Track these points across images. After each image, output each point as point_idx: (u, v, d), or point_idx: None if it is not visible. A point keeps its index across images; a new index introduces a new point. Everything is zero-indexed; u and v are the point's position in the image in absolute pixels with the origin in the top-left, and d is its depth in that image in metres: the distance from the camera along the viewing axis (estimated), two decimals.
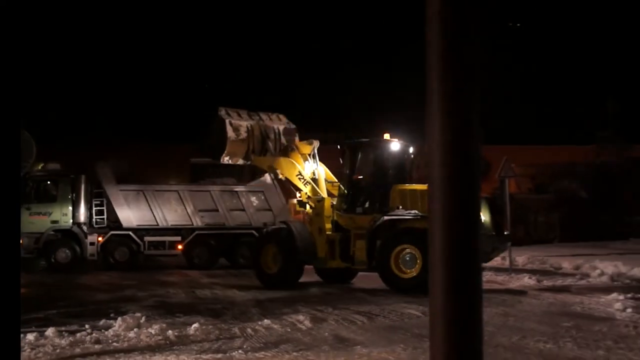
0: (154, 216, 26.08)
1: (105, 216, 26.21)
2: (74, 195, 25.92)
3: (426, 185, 19.14)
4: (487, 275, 19.91)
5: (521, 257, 24.20)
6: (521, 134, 54.15)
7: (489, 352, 9.93)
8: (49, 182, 25.76)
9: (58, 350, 11.47)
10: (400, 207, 18.95)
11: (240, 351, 11.17)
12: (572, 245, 30.25)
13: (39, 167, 25.46)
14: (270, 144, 22.00)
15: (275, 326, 13.28)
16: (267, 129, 22.33)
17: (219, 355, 10.89)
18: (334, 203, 19.93)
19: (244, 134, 21.40)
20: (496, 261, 23.78)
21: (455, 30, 2.88)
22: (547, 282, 19.49)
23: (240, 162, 23.24)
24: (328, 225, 19.77)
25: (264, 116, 22.94)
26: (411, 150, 20.67)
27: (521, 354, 10.53)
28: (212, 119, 22.43)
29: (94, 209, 26.29)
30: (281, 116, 23.50)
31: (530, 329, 12.67)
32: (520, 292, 17.70)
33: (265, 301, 16.77)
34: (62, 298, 17.75)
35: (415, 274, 17.87)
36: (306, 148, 21.28)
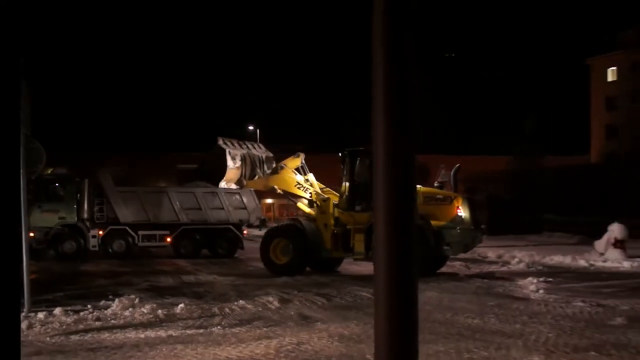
0: (147, 213, 26.00)
1: (105, 213, 26.09)
2: (78, 195, 25.82)
3: (423, 186, 19.12)
4: None
5: None
6: (455, 146, 54.80)
7: (427, 326, 10.02)
8: (57, 185, 25.62)
9: (64, 327, 11.38)
10: None
11: (219, 327, 11.15)
12: (496, 238, 30.50)
13: (49, 172, 25.22)
14: (259, 171, 22.05)
15: (248, 306, 13.26)
16: (254, 157, 22.51)
17: (201, 331, 10.86)
18: (336, 202, 19.84)
19: (239, 162, 21.39)
20: None
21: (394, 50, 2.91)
22: (475, 269, 19.69)
23: (234, 186, 23.31)
24: (332, 222, 19.56)
25: (249, 145, 23.02)
26: None
27: (453, 328, 10.63)
28: (211, 148, 22.48)
29: (95, 207, 26.17)
30: (260, 145, 23.74)
31: (460, 307, 12.79)
32: (453, 277, 17.86)
33: (240, 285, 16.75)
34: (68, 282, 17.58)
35: None
36: (294, 162, 21.12)
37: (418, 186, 20.08)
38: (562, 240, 29.05)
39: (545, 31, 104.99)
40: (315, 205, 20.04)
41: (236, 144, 22.18)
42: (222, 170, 21.18)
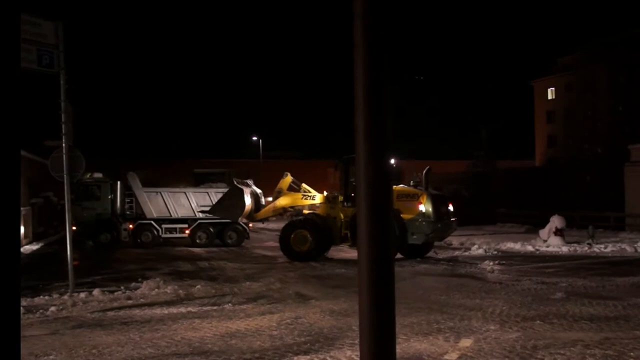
0: (168, 210, 25.87)
1: (134, 210, 25.97)
2: (112, 195, 25.71)
3: (397, 185, 19.25)
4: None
5: None
6: (424, 152, 54.88)
7: (402, 302, 10.02)
8: (94, 186, 25.52)
9: (101, 305, 11.33)
10: None
11: (230, 304, 11.12)
12: (459, 228, 30.52)
13: (88, 176, 25.12)
14: (262, 203, 22.57)
15: (254, 286, 13.24)
16: (255, 192, 22.96)
17: (215, 307, 10.83)
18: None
19: (250, 199, 21.56)
20: None
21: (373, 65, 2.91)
22: (442, 254, 19.70)
23: (245, 220, 24.01)
24: (341, 215, 19.31)
25: (248, 182, 23.56)
26: (392, 161, 20.73)
27: (424, 303, 10.64)
28: (219, 155, 22.73)
29: (126, 204, 26.08)
30: (251, 180, 24.23)
31: (430, 286, 12.81)
32: (424, 261, 17.87)
33: (247, 269, 16.71)
34: (104, 268, 17.49)
35: None
36: (286, 182, 21.09)
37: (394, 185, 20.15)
38: (512, 230, 29.06)
39: (497, 57, 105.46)
40: (327, 201, 19.86)
41: (245, 182, 22.61)
42: (238, 206, 21.41)
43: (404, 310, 9.63)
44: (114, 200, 25.77)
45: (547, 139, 61.00)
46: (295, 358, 7.18)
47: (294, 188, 20.87)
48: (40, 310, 10.75)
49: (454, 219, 19.97)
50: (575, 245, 20.48)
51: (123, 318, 10.02)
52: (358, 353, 7.70)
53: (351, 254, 19.52)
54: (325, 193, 20.62)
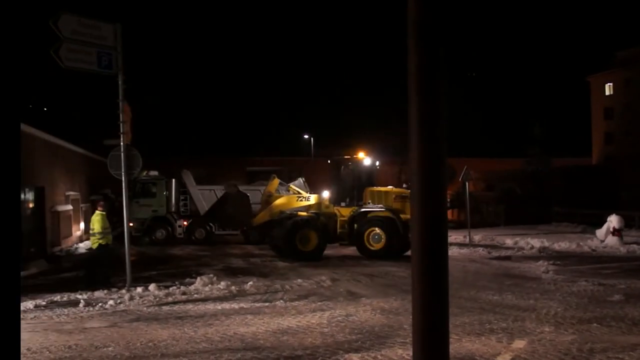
0: None
1: (188, 207, 26.45)
2: (167, 192, 26.17)
3: (388, 187, 19.87)
4: (452, 249, 19.79)
5: (477, 236, 24.00)
6: (477, 150, 54.02)
7: (453, 302, 9.87)
8: (150, 184, 25.99)
9: (157, 299, 11.60)
10: (370, 202, 19.47)
11: (281, 301, 11.22)
12: (512, 227, 29.97)
13: (144, 174, 25.64)
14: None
15: (305, 284, 13.30)
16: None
17: (267, 304, 10.94)
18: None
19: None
20: (458, 238, 23.71)
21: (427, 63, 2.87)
22: (494, 253, 19.37)
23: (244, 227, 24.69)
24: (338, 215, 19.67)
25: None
26: (377, 163, 21.10)
27: (476, 303, 10.49)
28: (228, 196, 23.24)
29: (180, 202, 26.56)
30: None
31: (482, 285, 12.61)
32: (476, 261, 17.62)
33: (298, 267, 16.79)
34: (159, 263, 17.88)
35: (381, 247, 18.57)
36: (274, 184, 21.54)
37: (390, 187, 20.28)
38: (568, 229, 28.31)
39: (552, 52, 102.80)
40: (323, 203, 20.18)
41: (234, 184, 23.04)
42: (247, 212, 22.09)
43: (456, 310, 9.51)
44: (169, 198, 26.25)
45: (605, 136, 59.11)
46: (347, 356, 7.19)
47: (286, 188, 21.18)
48: (100, 304, 11.10)
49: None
50: (634, 245, 19.81)
51: (178, 313, 10.23)
52: (410, 352, 7.60)
53: (348, 250, 19.80)
54: (327, 193, 20.59)
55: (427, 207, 2.97)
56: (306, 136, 64.66)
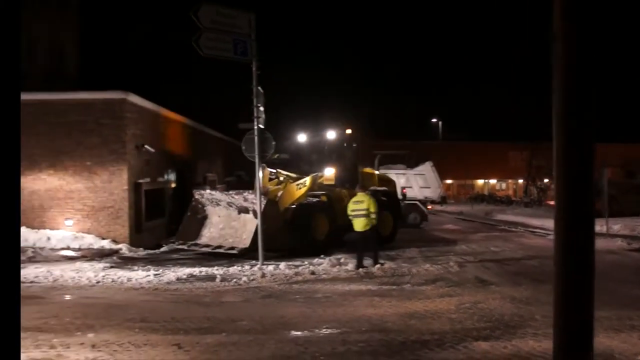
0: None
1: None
2: None
3: (369, 169, 19.77)
4: None
5: (616, 226, 22.52)
6: (616, 135, 50.46)
7: None
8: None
9: (287, 277, 12.01)
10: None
11: (408, 285, 11.21)
12: None
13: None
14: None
15: (432, 269, 13.17)
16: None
17: (394, 287, 10.97)
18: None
19: None
20: (595, 228, 22.29)
21: (577, 54, 2.73)
22: (635, 245, 18.09)
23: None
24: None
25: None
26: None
27: (615, 296, 9.86)
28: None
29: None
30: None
31: (623, 278, 11.82)
32: (615, 252, 16.55)
33: (425, 251, 16.63)
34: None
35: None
36: (265, 177, 17.06)
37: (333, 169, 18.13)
38: None
39: None
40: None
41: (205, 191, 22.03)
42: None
43: None
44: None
45: None
46: (475, 343, 7.05)
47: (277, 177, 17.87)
48: (234, 280, 11.67)
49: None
50: None
51: (307, 291, 10.53)
52: (541, 344, 7.33)
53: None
54: (332, 170, 18.11)
55: (573, 201, 2.83)
56: (434, 120, 63.78)
